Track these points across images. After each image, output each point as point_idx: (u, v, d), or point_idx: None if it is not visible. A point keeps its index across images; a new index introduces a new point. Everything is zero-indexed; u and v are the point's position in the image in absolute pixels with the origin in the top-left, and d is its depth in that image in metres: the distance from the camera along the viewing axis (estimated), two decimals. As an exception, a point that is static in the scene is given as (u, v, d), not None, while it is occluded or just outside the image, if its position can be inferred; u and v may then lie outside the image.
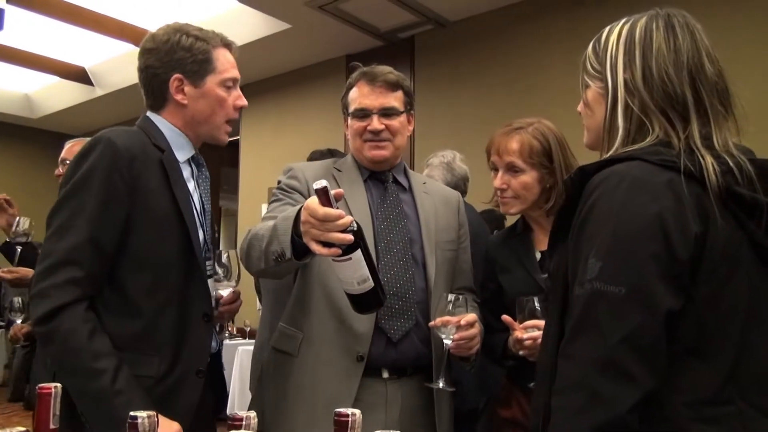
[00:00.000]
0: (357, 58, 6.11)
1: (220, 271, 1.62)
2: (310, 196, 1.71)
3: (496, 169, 1.80)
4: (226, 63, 1.63)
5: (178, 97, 1.59)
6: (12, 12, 5.74)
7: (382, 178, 1.82)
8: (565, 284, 1.08)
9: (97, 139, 1.48)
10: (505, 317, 1.61)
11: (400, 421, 1.63)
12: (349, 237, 1.29)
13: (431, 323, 1.59)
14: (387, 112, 1.76)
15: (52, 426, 1.04)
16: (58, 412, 1.06)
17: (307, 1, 5.07)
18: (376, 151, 1.77)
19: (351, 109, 1.80)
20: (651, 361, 0.96)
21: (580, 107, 1.24)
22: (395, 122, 1.77)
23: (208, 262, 1.62)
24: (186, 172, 1.62)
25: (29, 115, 8.95)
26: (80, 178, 1.44)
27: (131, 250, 1.47)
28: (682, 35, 1.09)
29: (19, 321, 3.25)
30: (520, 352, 1.59)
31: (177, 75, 1.58)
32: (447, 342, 1.56)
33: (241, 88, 1.71)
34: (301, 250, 1.41)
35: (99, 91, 7.59)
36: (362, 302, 1.42)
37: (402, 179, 1.87)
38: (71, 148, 2.80)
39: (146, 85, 1.64)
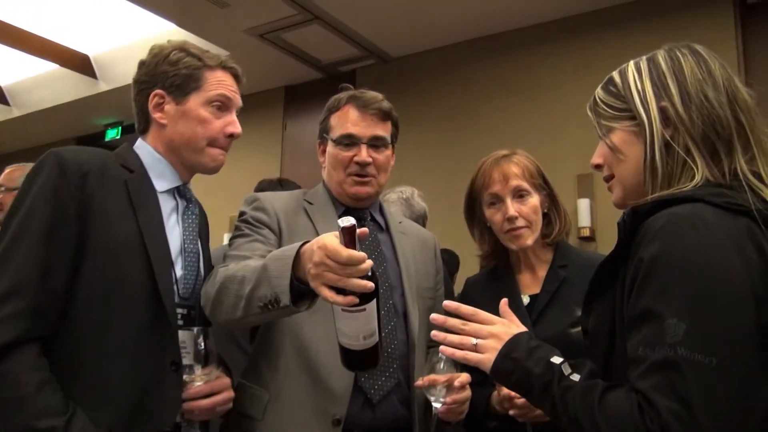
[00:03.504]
0: (296, 90, 5.99)
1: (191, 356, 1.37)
2: (280, 231, 1.52)
3: (494, 203, 1.68)
4: (217, 84, 1.44)
5: (157, 115, 1.43)
6: None
7: (360, 215, 1.62)
8: (610, 343, 0.96)
9: (44, 157, 1.30)
10: None
11: None
12: (371, 284, 1.10)
13: (417, 382, 1.39)
14: (376, 143, 1.61)
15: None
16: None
17: (247, 29, 4.92)
18: (360, 187, 1.59)
19: (335, 135, 1.62)
20: None
21: (598, 159, 1.12)
22: (382, 156, 1.62)
23: (180, 310, 1.40)
24: (168, 204, 1.42)
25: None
26: (28, 202, 1.25)
27: (84, 281, 1.26)
28: (710, 60, 1.02)
29: None
30: (510, 412, 1.44)
31: (157, 90, 1.42)
32: (436, 405, 1.35)
33: None
34: (297, 296, 1.22)
35: (16, 112, 7.15)
36: (360, 360, 1.21)
37: (379, 218, 1.70)
38: (11, 174, 2.67)
39: (134, 103, 1.48)
